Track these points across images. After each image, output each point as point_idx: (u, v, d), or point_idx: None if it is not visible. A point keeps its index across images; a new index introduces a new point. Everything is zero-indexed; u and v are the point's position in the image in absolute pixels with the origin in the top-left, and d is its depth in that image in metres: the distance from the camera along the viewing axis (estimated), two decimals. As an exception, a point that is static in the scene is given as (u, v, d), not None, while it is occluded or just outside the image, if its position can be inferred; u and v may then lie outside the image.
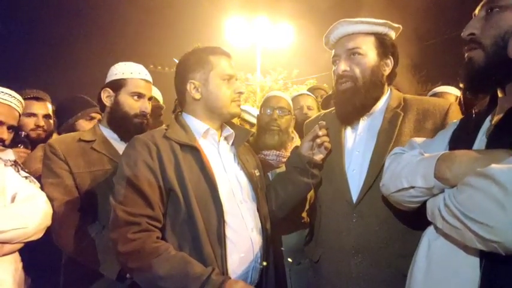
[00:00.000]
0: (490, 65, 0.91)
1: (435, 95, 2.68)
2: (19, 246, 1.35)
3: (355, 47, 1.43)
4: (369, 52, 1.43)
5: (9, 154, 1.53)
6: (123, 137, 1.77)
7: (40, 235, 1.41)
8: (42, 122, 2.12)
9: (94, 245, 1.57)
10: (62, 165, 1.62)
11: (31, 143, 2.05)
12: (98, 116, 2.27)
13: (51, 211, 1.47)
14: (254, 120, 2.38)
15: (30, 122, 2.10)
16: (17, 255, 1.39)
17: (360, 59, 1.42)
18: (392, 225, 1.34)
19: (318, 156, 1.49)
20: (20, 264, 1.41)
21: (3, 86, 1.80)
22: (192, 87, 1.42)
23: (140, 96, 1.76)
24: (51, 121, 2.24)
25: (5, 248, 1.29)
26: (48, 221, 1.44)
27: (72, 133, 1.85)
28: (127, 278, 1.54)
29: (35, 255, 1.60)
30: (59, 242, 1.57)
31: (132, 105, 1.75)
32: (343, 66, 1.44)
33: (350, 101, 1.44)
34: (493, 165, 0.76)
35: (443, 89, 2.71)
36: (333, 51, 1.53)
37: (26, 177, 1.51)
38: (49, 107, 2.22)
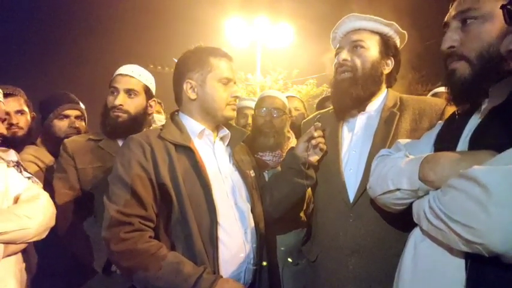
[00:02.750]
0: (477, 78, 0.92)
1: (435, 95, 2.69)
2: (23, 246, 1.35)
3: (359, 39, 1.46)
4: (372, 48, 1.46)
5: (12, 155, 1.53)
6: (110, 135, 1.81)
7: (43, 235, 1.41)
8: (14, 120, 1.96)
9: (86, 237, 1.66)
10: (69, 161, 1.75)
11: (10, 143, 1.85)
12: (75, 113, 2.11)
13: (54, 211, 1.48)
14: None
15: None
16: (20, 256, 1.40)
17: (362, 52, 1.45)
18: (388, 225, 1.34)
19: (313, 158, 1.49)
20: (23, 265, 1.41)
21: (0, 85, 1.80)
22: (188, 87, 1.41)
23: (115, 89, 1.79)
24: (28, 117, 2.03)
25: (9, 248, 1.30)
26: (51, 222, 1.44)
27: (85, 134, 1.98)
28: (114, 272, 1.58)
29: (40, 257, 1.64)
30: (58, 232, 1.64)
31: (108, 100, 1.81)
32: (344, 55, 1.46)
33: (347, 91, 1.45)
34: (476, 167, 0.76)
35: (443, 89, 2.72)
36: (338, 45, 1.55)
37: (29, 178, 1.51)
38: (22, 102, 2.01)
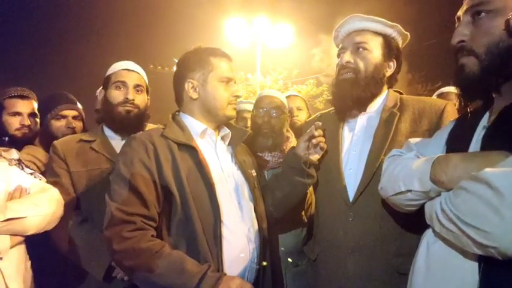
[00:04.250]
0: (485, 73, 0.89)
1: (441, 95, 2.67)
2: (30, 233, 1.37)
3: (362, 41, 1.45)
4: (375, 49, 1.45)
5: (13, 153, 1.55)
6: (117, 131, 1.78)
7: (55, 223, 1.44)
8: (27, 121, 2.01)
9: (83, 244, 1.59)
10: (61, 164, 1.67)
11: (17, 143, 1.93)
12: (72, 113, 2.14)
13: (63, 201, 1.50)
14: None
15: (15, 121, 1.98)
16: (26, 254, 1.42)
17: (365, 54, 1.44)
18: (388, 224, 1.35)
19: (314, 157, 1.49)
20: (29, 263, 1.43)
21: (1, 85, 1.82)
22: (190, 87, 1.42)
23: (123, 84, 1.76)
24: (38, 120, 2.10)
25: (14, 239, 1.31)
26: (61, 210, 1.47)
27: (76, 134, 1.90)
28: (115, 278, 1.56)
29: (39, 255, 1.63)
30: (53, 239, 1.60)
31: (115, 95, 1.76)
32: (347, 57, 1.45)
33: (348, 91, 1.45)
34: (488, 169, 0.75)
35: (449, 89, 2.69)
36: (340, 45, 1.54)
37: (31, 174, 1.54)
38: (35, 106, 2.09)
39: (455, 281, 0.87)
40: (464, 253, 0.85)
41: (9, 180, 1.41)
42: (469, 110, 1.04)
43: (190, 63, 1.43)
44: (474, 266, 0.83)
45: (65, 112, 2.12)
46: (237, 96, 1.47)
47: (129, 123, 1.74)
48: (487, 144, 0.89)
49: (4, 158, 1.48)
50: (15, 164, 1.50)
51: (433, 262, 0.95)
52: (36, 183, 1.49)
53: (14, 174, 1.45)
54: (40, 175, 1.59)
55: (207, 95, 1.41)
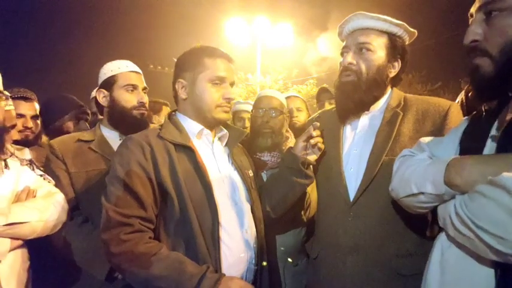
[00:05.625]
0: (501, 74, 0.86)
1: None
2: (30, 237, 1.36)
3: (366, 41, 1.42)
4: (379, 50, 1.42)
5: (26, 153, 1.55)
6: (127, 133, 1.77)
7: (58, 228, 1.44)
8: (30, 123, 2.01)
9: (84, 245, 1.58)
10: (59, 165, 1.66)
11: (18, 145, 1.92)
12: (85, 117, 2.30)
13: (67, 207, 1.50)
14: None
15: (18, 123, 1.96)
16: (25, 255, 1.40)
17: (368, 55, 1.42)
18: (388, 225, 1.34)
19: (312, 157, 1.48)
20: (27, 264, 1.41)
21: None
22: (180, 87, 1.41)
23: (134, 87, 1.77)
24: (39, 122, 2.12)
25: (14, 242, 1.30)
26: (65, 216, 1.47)
27: (72, 134, 1.88)
28: (117, 278, 1.55)
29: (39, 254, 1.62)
30: (52, 240, 1.57)
31: (128, 98, 1.76)
32: (350, 58, 1.43)
33: (350, 95, 1.44)
34: (505, 174, 0.73)
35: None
36: (344, 42, 1.52)
37: (41, 175, 1.53)
38: (37, 107, 2.11)
39: (471, 286, 0.84)
40: (480, 259, 0.83)
41: (19, 180, 1.40)
42: (483, 109, 1.00)
43: (184, 63, 1.42)
44: (490, 272, 0.81)
45: (80, 116, 2.27)
46: (229, 99, 1.42)
47: (143, 125, 1.76)
48: (504, 144, 0.85)
49: (16, 157, 1.46)
50: (26, 164, 1.48)
51: (447, 267, 0.92)
52: (44, 186, 1.48)
53: (24, 175, 1.44)
54: (49, 177, 1.57)
55: (194, 96, 1.39)
